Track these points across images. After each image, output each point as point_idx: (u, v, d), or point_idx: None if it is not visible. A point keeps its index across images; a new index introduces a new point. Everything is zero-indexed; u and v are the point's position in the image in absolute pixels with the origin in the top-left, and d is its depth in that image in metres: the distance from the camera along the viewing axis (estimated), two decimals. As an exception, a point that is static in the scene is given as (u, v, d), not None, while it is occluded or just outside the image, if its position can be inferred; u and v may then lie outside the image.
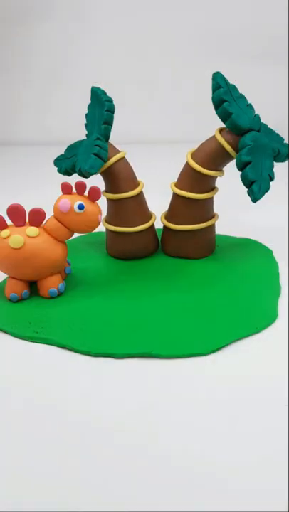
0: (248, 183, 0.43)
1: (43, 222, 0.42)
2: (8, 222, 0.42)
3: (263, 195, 0.43)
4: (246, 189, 0.44)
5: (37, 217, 0.41)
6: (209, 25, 1.14)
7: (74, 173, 0.49)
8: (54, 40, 1.22)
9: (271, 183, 0.44)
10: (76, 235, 0.44)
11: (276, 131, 0.47)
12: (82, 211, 0.41)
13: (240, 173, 0.43)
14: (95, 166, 0.44)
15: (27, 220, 0.42)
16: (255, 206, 0.50)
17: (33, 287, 0.46)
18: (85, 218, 0.42)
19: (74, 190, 0.43)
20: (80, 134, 0.51)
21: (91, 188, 0.42)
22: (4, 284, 0.47)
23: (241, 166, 0.43)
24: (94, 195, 0.42)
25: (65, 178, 0.52)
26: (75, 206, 0.41)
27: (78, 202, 0.41)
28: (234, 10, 1.12)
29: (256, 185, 0.43)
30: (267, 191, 0.44)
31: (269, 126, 0.46)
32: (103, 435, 0.29)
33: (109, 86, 0.52)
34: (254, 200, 0.43)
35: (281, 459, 0.27)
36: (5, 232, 0.41)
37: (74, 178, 0.50)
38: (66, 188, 0.42)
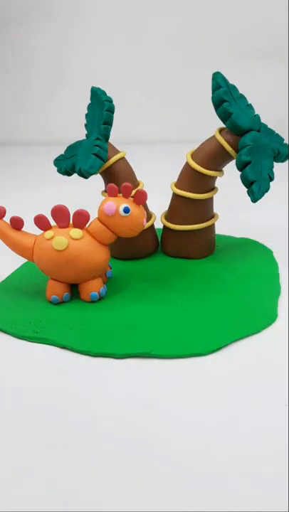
0: (247, 183, 0.43)
1: (87, 225, 0.41)
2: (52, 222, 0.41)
3: (262, 195, 0.44)
4: (246, 189, 0.44)
5: (81, 218, 0.40)
6: (209, 26, 1.14)
7: (74, 173, 0.49)
8: (54, 41, 1.22)
9: (271, 183, 0.44)
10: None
11: (276, 132, 0.47)
12: (127, 214, 0.40)
13: (240, 173, 0.43)
14: (94, 166, 0.44)
15: (70, 221, 0.41)
16: (255, 206, 0.50)
17: (32, 288, 0.46)
18: (130, 222, 0.40)
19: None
20: (80, 134, 0.51)
21: (137, 191, 0.40)
22: (5, 284, 0.47)
23: (241, 166, 0.43)
24: (140, 198, 0.40)
25: (65, 178, 0.52)
26: (121, 209, 0.40)
27: (124, 205, 0.40)
28: (234, 10, 1.12)
29: (256, 186, 0.43)
30: (267, 191, 0.44)
31: (269, 126, 0.46)
32: (103, 435, 0.29)
33: (109, 86, 0.52)
34: (254, 200, 0.43)
35: (281, 458, 0.27)
36: (48, 234, 0.40)
37: (74, 178, 0.50)
38: (112, 191, 0.40)
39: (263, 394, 0.32)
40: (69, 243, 0.40)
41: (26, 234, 0.43)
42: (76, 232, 0.40)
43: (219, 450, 0.28)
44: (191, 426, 0.29)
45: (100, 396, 0.32)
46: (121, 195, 0.41)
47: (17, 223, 0.42)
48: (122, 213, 0.40)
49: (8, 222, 0.43)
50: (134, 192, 0.43)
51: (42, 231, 0.42)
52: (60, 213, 0.40)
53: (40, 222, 0.41)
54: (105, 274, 0.46)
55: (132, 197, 0.41)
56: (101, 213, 0.41)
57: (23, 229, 0.43)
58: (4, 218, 0.43)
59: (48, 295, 0.43)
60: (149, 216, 0.51)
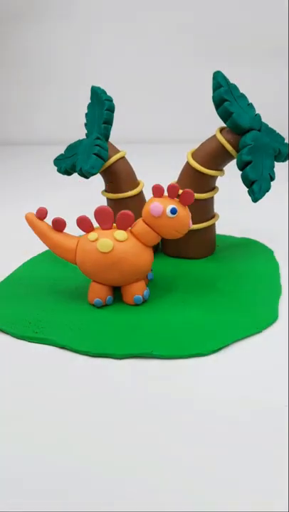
0: (248, 182, 0.43)
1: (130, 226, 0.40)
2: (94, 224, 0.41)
3: (263, 195, 0.43)
4: (247, 189, 0.44)
5: (125, 220, 0.39)
6: (210, 25, 1.14)
7: (74, 173, 0.49)
8: (54, 40, 1.22)
9: (272, 182, 0.44)
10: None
11: (277, 131, 0.46)
12: (174, 215, 0.38)
13: (241, 172, 0.43)
14: (95, 166, 0.44)
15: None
16: (255, 206, 0.50)
17: (32, 288, 0.46)
18: (177, 223, 0.39)
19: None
20: (80, 133, 0.51)
21: (184, 192, 0.39)
22: (5, 283, 0.47)
23: (242, 166, 0.43)
24: (186, 198, 0.39)
25: (65, 178, 0.52)
26: (168, 210, 0.38)
27: (171, 206, 0.38)
28: (235, 9, 1.12)
29: (257, 185, 0.43)
30: (267, 191, 0.44)
31: (270, 125, 0.46)
32: (103, 435, 0.29)
33: (109, 85, 0.52)
34: (255, 200, 0.43)
35: (281, 459, 0.27)
36: (92, 235, 0.39)
37: (74, 178, 0.50)
38: (158, 191, 0.39)
39: (263, 394, 0.32)
40: (114, 245, 0.39)
41: (68, 235, 0.41)
42: (121, 234, 0.39)
43: (219, 450, 0.27)
44: (192, 426, 0.29)
45: (100, 396, 0.32)
46: (166, 195, 0.40)
47: (59, 225, 0.41)
48: (170, 214, 0.38)
49: (50, 223, 0.41)
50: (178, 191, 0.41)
51: (84, 232, 0.40)
52: (103, 215, 0.39)
53: (83, 223, 0.40)
54: (147, 276, 0.45)
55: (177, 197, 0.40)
56: (147, 214, 0.39)
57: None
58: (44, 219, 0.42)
59: (91, 298, 0.41)
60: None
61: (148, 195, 0.51)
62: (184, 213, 0.39)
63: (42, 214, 0.41)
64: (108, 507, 0.25)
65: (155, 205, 0.39)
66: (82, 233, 0.41)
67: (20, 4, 1.20)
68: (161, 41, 1.17)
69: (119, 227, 0.40)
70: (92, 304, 0.42)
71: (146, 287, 0.42)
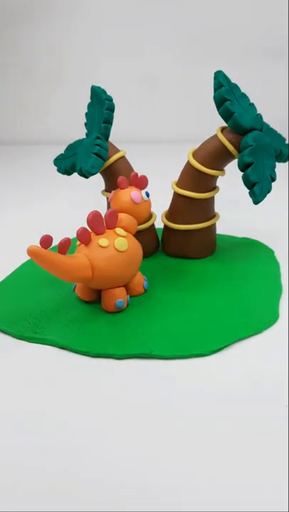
0: (249, 184, 0.43)
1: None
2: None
3: (264, 197, 0.43)
4: (247, 189, 0.43)
5: (113, 217, 0.40)
6: (211, 24, 1.14)
7: (74, 173, 0.49)
8: (54, 39, 1.22)
9: (273, 183, 0.44)
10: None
11: (277, 132, 0.46)
12: (148, 198, 0.43)
13: (242, 174, 0.43)
14: (95, 165, 0.44)
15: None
16: (256, 206, 0.50)
17: (32, 288, 0.45)
18: (149, 205, 0.43)
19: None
20: (80, 133, 0.50)
21: (139, 177, 0.43)
22: (5, 284, 0.47)
23: (243, 167, 0.43)
24: (142, 182, 0.43)
25: (65, 178, 0.52)
26: (144, 195, 0.42)
27: (143, 191, 0.43)
28: (236, 9, 1.12)
29: (258, 187, 0.42)
30: (269, 192, 0.44)
31: (271, 126, 0.46)
32: (103, 435, 0.29)
33: (109, 85, 0.52)
34: (256, 202, 0.43)
35: (281, 459, 0.27)
36: (103, 241, 0.38)
37: (75, 178, 0.50)
38: (124, 182, 0.42)
39: (263, 394, 0.32)
40: (128, 242, 0.40)
41: (73, 255, 0.38)
42: (121, 231, 0.40)
43: (219, 450, 0.27)
44: (192, 426, 0.29)
45: (100, 396, 0.32)
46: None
47: (64, 247, 0.37)
48: (146, 198, 0.43)
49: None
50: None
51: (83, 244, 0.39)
52: (96, 219, 0.39)
53: (83, 235, 0.38)
54: (144, 287, 0.44)
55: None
56: (128, 204, 0.41)
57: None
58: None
59: (112, 302, 0.40)
60: (150, 215, 0.51)
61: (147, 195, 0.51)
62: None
63: (47, 243, 0.36)
64: (108, 507, 0.24)
65: (135, 193, 0.42)
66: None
67: (21, 4, 1.20)
68: (161, 40, 1.17)
69: (108, 226, 0.40)
70: (113, 309, 0.40)
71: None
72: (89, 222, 0.38)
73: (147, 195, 0.43)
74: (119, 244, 0.39)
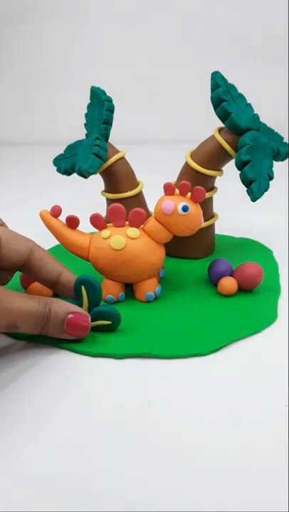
0: (247, 182, 0.43)
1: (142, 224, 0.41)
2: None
3: (262, 194, 0.43)
4: (245, 189, 0.44)
5: (138, 218, 0.39)
6: (209, 25, 1.14)
7: (73, 173, 0.49)
8: (54, 40, 1.22)
9: (271, 182, 0.44)
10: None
11: (275, 131, 0.46)
12: (186, 213, 0.39)
13: (240, 172, 0.43)
14: (94, 165, 0.44)
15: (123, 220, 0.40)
16: (254, 206, 0.50)
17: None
18: (188, 220, 0.39)
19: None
20: (80, 133, 0.51)
21: (195, 189, 0.39)
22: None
23: (240, 166, 0.43)
24: (197, 196, 0.39)
25: (65, 178, 0.52)
26: (179, 208, 0.38)
27: (182, 203, 0.39)
28: (234, 9, 1.12)
29: (255, 185, 0.43)
30: (266, 190, 0.44)
31: (268, 125, 0.46)
32: (103, 435, 0.29)
33: (109, 85, 0.52)
34: (253, 199, 0.43)
35: (281, 459, 0.27)
36: (105, 233, 0.39)
37: (74, 177, 0.50)
38: (169, 189, 0.39)
39: (263, 394, 0.32)
40: (127, 242, 0.39)
41: (81, 233, 0.42)
42: (133, 232, 0.39)
43: (219, 450, 0.28)
44: (192, 426, 0.29)
45: (100, 396, 0.32)
46: (178, 192, 0.40)
47: (73, 222, 0.41)
48: (181, 212, 0.39)
49: (64, 220, 0.42)
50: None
51: (97, 230, 0.41)
52: (116, 212, 0.40)
53: (96, 221, 0.40)
54: (158, 274, 0.45)
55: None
56: (159, 212, 0.39)
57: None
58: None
59: (104, 294, 0.41)
60: (149, 216, 0.51)
61: (148, 195, 0.51)
62: (196, 210, 0.39)
63: (56, 212, 0.41)
64: (108, 506, 0.25)
65: (166, 203, 0.39)
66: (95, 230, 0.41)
67: (21, 4, 1.19)
68: (160, 41, 1.17)
69: (131, 225, 0.40)
70: (104, 300, 0.42)
71: (158, 284, 0.43)
72: (108, 211, 0.40)
73: (184, 209, 0.38)
74: (113, 241, 0.39)
